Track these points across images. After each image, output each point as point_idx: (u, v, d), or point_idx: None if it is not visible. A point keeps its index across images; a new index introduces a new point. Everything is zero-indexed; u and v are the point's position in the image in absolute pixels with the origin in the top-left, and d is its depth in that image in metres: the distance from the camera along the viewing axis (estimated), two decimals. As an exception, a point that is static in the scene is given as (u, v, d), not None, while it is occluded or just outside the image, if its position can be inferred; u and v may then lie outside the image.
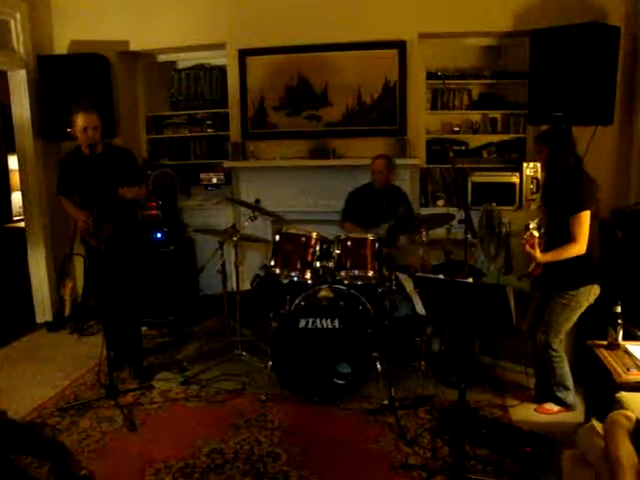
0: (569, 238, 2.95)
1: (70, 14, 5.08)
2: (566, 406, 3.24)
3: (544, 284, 3.17)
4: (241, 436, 3.12)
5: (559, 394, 3.22)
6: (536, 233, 2.90)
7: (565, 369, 3.19)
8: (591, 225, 2.95)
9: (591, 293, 3.07)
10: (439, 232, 4.15)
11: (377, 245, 3.63)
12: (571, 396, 3.23)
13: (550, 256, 2.98)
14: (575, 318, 3.12)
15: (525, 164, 4.71)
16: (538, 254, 2.94)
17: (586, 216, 2.93)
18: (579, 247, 2.93)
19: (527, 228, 2.91)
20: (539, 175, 4.50)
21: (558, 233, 3.01)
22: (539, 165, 4.32)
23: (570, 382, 3.22)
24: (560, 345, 3.16)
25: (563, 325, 3.11)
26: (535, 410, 3.30)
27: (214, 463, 2.87)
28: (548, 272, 3.07)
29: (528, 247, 2.93)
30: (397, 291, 3.79)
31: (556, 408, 3.25)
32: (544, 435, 2.96)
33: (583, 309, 3.10)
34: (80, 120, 3.48)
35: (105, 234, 3.52)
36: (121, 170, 3.61)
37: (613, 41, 3.91)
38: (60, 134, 4.58)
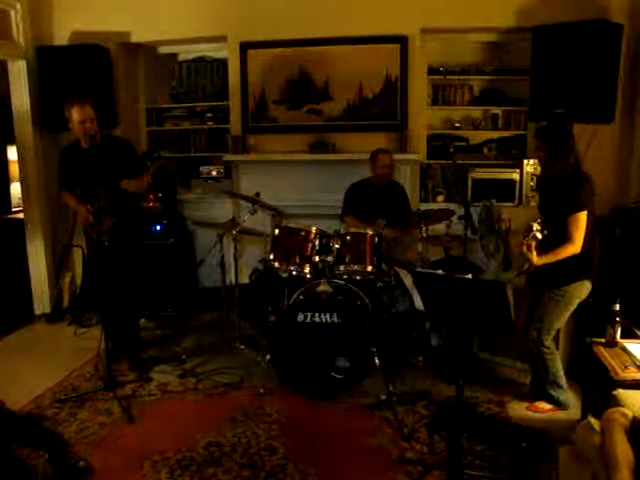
0: (565, 238, 2.92)
1: (71, 5, 5.05)
2: (558, 405, 3.22)
3: (537, 280, 3.15)
4: (239, 429, 3.13)
5: (552, 392, 3.21)
6: (539, 235, 2.84)
7: (557, 366, 3.18)
8: (587, 223, 2.94)
9: (582, 289, 3.06)
10: (439, 228, 4.15)
11: (377, 240, 3.63)
12: (564, 395, 3.21)
13: (545, 259, 2.92)
14: (567, 315, 3.12)
15: (525, 161, 4.72)
16: (534, 257, 2.88)
17: (583, 216, 2.92)
18: (574, 248, 2.92)
19: (530, 230, 2.84)
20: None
21: (554, 232, 2.95)
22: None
23: (563, 380, 3.20)
24: (552, 342, 3.15)
25: (554, 322, 3.11)
26: (527, 408, 3.29)
27: (211, 456, 2.88)
28: (540, 269, 3.02)
29: (525, 249, 2.88)
30: (396, 286, 3.80)
31: (548, 407, 3.24)
32: (541, 431, 2.97)
33: (574, 306, 3.09)
34: (76, 113, 3.47)
35: (106, 227, 3.52)
36: (120, 161, 3.59)
37: (616, 39, 3.90)
38: (60, 125, 4.50)
